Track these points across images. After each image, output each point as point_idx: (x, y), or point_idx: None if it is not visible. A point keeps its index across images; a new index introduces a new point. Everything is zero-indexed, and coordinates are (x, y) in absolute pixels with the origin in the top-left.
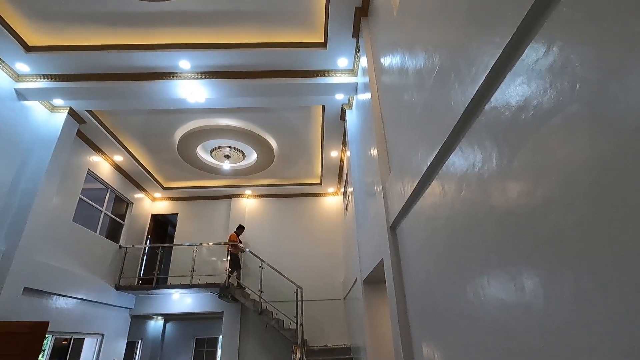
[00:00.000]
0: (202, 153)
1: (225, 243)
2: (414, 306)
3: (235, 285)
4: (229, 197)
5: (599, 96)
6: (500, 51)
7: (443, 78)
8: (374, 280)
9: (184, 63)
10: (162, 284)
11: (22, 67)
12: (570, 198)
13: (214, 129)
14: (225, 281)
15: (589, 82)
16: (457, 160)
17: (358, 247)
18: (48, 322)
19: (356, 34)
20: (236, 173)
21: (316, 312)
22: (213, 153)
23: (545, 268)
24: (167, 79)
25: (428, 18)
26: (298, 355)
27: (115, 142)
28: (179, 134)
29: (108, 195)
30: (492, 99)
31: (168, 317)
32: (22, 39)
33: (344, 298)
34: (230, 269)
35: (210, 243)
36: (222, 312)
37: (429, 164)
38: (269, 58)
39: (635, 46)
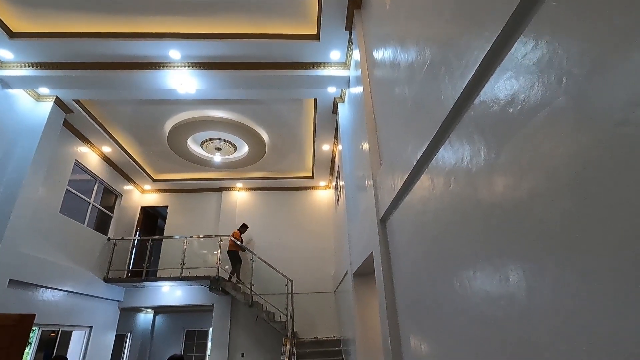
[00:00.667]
0: (192, 145)
1: (215, 236)
2: (402, 299)
3: (235, 282)
4: (220, 189)
5: (584, 90)
6: (490, 45)
7: (434, 72)
8: (364, 273)
9: (174, 53)
10: (152, 276)
11: (5, 54)
12: (554, 192)
13: (204, 120)
14: (216, 274)
15: (575, 76)
16: (447, 154)
17: (349, 240)
18: (34, 315)
19: (349, 26)
20: (227, 165)
21: (307, 305)
22: (204, 145)
23: (529, 260)
24: (156, 69)
25: (419, 11)
26: (288, 347)
27: (104, 133)
28: (169, 125)
29: (96, 186)
30: (482, 93)
31: (158, 310)
32: (5, 24)
33: (334, 291)
34: (232, 270)
35: (201, 236)
36: (213, 304)
37: (418, 157)
38: (260, 49)
39: (620, 41)
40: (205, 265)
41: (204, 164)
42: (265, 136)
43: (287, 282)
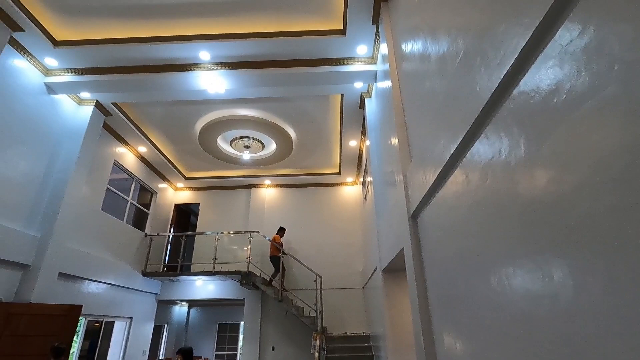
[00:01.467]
0: (222, 143)
1: (245, 232)
2: (435, 295)
3: (279, 289)
4: (249, 186)
5: (637, 78)
6: (531, 33)
7: (468, 63)
8: (394, 269)
9: (204, 54)
10: (186, 270)
11: (51, 61)
12: (602, 186)
13: (233, 119)
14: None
15: (627, 63)
16: (482, 148)
17: (377, 236)
18: (82, 305)
19: (376, 19)
20: (256, 163)
21: (335, 301)
22: (233, 143)
23: (575, 257)
24: (187, 70)
25: (451, 1)
26: (318, 342)
27: (139, 134)
28: (199, 124)
29: (133, 185)
30: (521, 83)
31: (192, 303)
32: (50, 34)
33: (363, 287)
34: (274, 274)
35: (231, 232)
36: (244, 299)
37: (452, 152)
38: (287, 47)
39: None
40: (236, 260)
41: (234, 162)
42: (292, 133)
43: (316, 278)
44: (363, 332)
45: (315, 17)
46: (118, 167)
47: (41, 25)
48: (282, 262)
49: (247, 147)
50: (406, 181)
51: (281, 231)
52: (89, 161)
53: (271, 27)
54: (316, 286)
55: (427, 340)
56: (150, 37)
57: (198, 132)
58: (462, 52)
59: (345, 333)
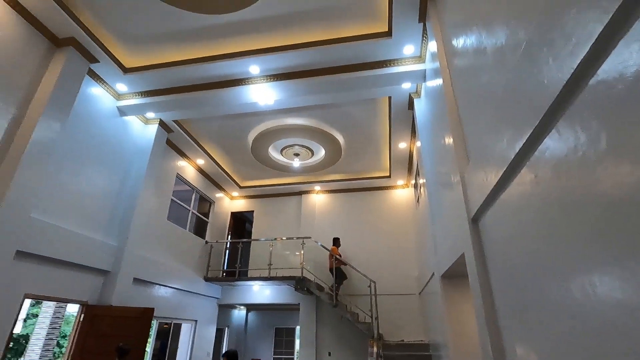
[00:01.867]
0: (273, 152)
1: (297, 238)
2: (503, 303)
3: (332, 294)
4: (300, 193)
5: None
6: (610, 16)
7: (532, 54)
8: (454, 275)
9: (254, 68)
10: (244, 276)
11: (121, 87)
12: None
13: (283, 128)
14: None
15: None
16: (553, 145)
17: (434, 241)
18: (153, 308)
19: (422, 18)
20: (305, 170)
21: (390, 307)
22: (283, 152)
23: None
24: (239, 85)
25: None
26: (375, 349)
27: (198, 147)
28: (252, 135)
29: (194, 195)
30: (600, 71)
31: (250, 307)
32: (120, 62)
33: (419, 293)
34: (336, 284)
35: (284, 238)
36: (299, 303)
37: (517, 150)
38: (333, 54)
39: None
40: (290, 265)
41: (284, 170)
42: (340, 138)
43: (370, 283)
44: (421, 340)
45: (359, 22)
46: (180, 179)
47: (113, 55)
48: (344, 272)
49: (296, 154)
50: (464, 182)
51: (336, 242)
52: (156, 175)
53: (316, 36)
54: (370, 292)
55: (496, 352)
56: (205, 57)
57: (250, 143)
58: (525, 43)
59: (403, 340)
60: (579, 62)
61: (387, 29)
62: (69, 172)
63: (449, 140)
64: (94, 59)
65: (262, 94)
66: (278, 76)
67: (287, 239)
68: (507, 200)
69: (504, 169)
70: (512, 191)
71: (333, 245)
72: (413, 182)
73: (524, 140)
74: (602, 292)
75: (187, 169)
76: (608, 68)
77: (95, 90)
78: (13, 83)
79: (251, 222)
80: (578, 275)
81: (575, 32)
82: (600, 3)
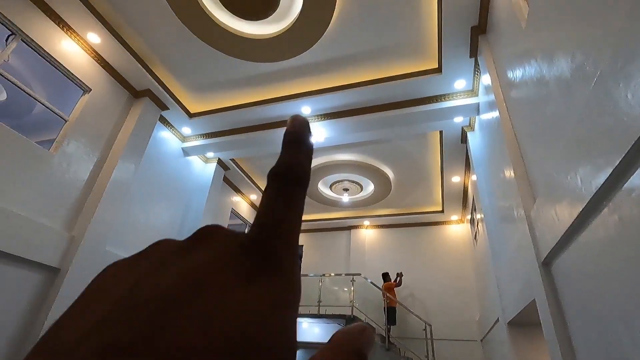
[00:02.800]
0: (322, 188)
1: (346, 274)
2: (588, 358)
3: (388, 341)
4: (349, 228)
5: None
6: None
7: (606, 87)
8: (524, 323)
9: (306, 108)
10: None
11: (186, 130)
12: None
13: (332, 164)
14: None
15: None
16: None
17: (497, 283)
18: None
19: (474, 53)
20: (355, 205)
21: (449, 353)
22: (332, 187)
23: None
24: None
25: (572, 20)
26: None
27: (251, 184)
28: None
29: (246, 230)
30: None
31: (299, 345)
32: (187, 108)
33: (481, 340)
34: (388, 325)
35: (332, 274)
36: None
37: (595, 189)
38: (383, 92)
39: None
40: (339, 303)
41: (334, 205)
42: (390, 173)
43: (425, 327)
44: None
45: (409, 60)
46: (235, 214)
47: (181, 103)
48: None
49: (346, 189)
50: (531, 222)
51: (386, 277)
52: (214, 210)
53: (367, 76)
54: (426, 335)
55: None
56: (261, 100)
57: None
58: (597, 75)
59: None
60: None
61: (437, 66)
62: (139, 208)
63: (510, 174)
64: (165, 107)
65: (314, 132)
66: (329, 115)
67: (336, 275)
68: (586, 243)
69: (580, 209)
70: (592, 234)
71: (386, 280)
72: (469, 217)
73: (604, 179)
74: None
75: (241, 204)
76: None
77: (164, 134)
78: (99, 131)
79: (301, 257)
80: None
81: None
82: None
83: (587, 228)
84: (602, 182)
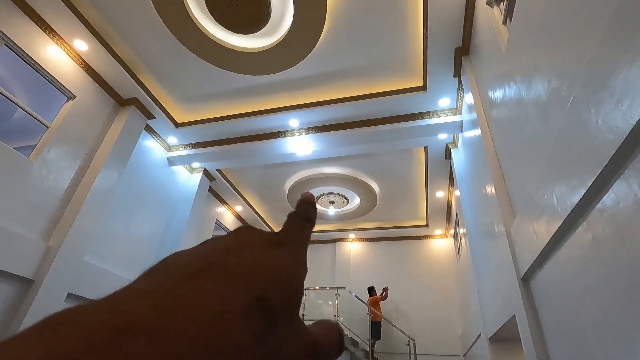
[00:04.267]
0: None
1: (331, 288)
2: None
3: (372, 356)
4: (334, 241)
5: None
6: None
7: (579, 112)
8: (504, 339)
9: (293, 122)
10: None
11: (172, 140)
12: None
13: (319, 177)
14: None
15: None
16: (612, 205)
17: (479, 298)
18: None
19: (457, 72)
20: (340, 217)
21: None
22: (318, 199)
23: None
24: (279, 137)
25: (549, 47)
26: None
27: (237, 195)
28: (288, 184)
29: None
30: None
31: None
32: (173, 118)
33: (464, 355)
34: (372, 339)
35: (317, 287)
36: None
37: (570, 207)
38: (370, 108)
39: None
40: (322, 317)
41: (319, 217)
42: (375, 187)
43: (409, 342)
44: None
45: (395, 77)
46: (219, 225)
47: (167, 112)
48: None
49: (331, 202)
50: (511, 238)
51: (372, 291)
52: (198, 221)
53: (355, 91)
54: (409, 350)
55: None
56: (248, 112)
57: (287, 191)
58: (571, 100)
59: None
60: (632, 126)
61: (422, 84)
62: (120, 217)
63: (491, 191)
64: (151, 116)
65: (301, 146)
66: (317, 129)
67: (321, 288)
68: (563, 261)
69: (557, 227)
70: (568, 252)
71: (372, 295)
72: (452, 231)
73: (578, 198)
74: None
75: (226, 215)
76: None
77: (149, 143)
78: (82, 138)
79: None
80: None
81: (626, 97)
82: None
83: (564, 246)
84: (576, 202)
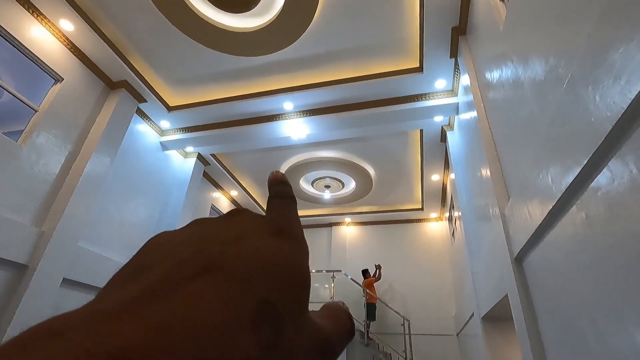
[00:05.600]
0: (304, 184)
1: (327, 271)
2: (556, 353)
3: (367, 337)
4: (330, 225)
5: None
6: None
7: (576, 91)
8: (497, 318)
9: (288, 104)
10: None
11: (165, 124)
12: None
13: (314, 161)
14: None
15: None
16: (607, 183)
17: (473, 279)
18: None
19: (454, 53)
20: (336, 202)
21: (426, 347)
22: (314, 184)
23: None
24: (274, 121)
25: (546, 25)
26: None
27: (232, 180)
28: (284, 168)
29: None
30: None
31: None
32: (165, 102)
33: (457, 334)
34: (368, 321)
35: (314, 270)
36: None
37: (564, 188)
38: (365, 90)
39: None
40: (320, 300)
41: (315, 202)
42: (371, 171)
43: (404, 322)
44: None
45: (391, 58)
46: (214, 210)
47: (159, 95)
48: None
49: (327, 186)
50: (505, 220)
51: (366, 274)
52: (193, 206)
53: (349, 73)
54: (404, 331)
55: None
56: (243, 95)
57: None
58: (567, 80)
59: None
60: (630, 101)
61: (418, 65)
62: (114, 203)
63: (486, 173)
64: (142, 99)
65: (296, 129)
66: (311, 111)
67: (317, 271)
68: (556, 241)
69: (550, 207)
70: (561, 231)
71: (366, 277)
72: (447, 215)
73: (573, 178)
74: None
75: (221, 200)
76: None
77: (142, 127)
78: (72, 122)
79: None
80: None
81: (624, 71)
82: None
83: (557, 226)
84: (570, 182)
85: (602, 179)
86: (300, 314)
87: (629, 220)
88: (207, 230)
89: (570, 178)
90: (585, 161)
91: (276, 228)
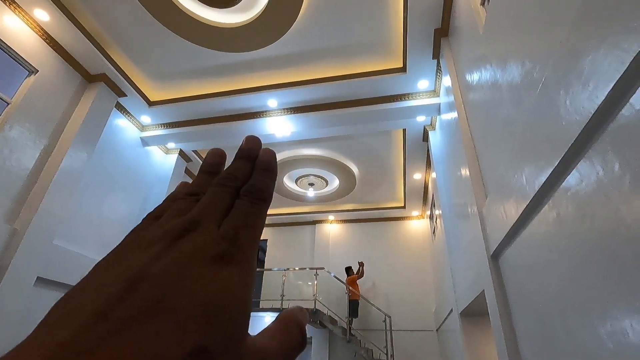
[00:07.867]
0: (288, 182)
1: (310, 269)
2: (527, 345)
3: (349, 333)
4: (314, 222)
5: None
6: (626, 66)
7: (549, 95)
8: (474, 313)
9: (272, 102)
10: (255, 307)
11: (145, 119)
12: None
13: (298, 159)
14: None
15: None
16: (576, 184)
17: (451, 275)
18: None
19: (436, 54)
20: (320, 199)
21: (407, 343)
22: (298, 181)
23: None
24: (257, 118)
25: (523, 30)
26: None
27: None
28: None
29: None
30: (618, 116)
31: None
32: (146, 96)
33: (437, 329)
34: (350, 318)
35: (297, 268)
36: (311, 337)
37: (537, 188)
38: (349, 88)
39: None
40: (302, 297)
41: (299, 199)
42: (354, 169)
43: (385, 318)
44: None
45: (375, 58)
46: None
47: (140, 90)
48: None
49: (311, 184)
50: (482, 218)
51: (349, 271)
52: None
53: (333, 72)
54: (385, 327)
55: None
56: (226, 91)
57: None
58: (541, 84)
59: None
60: (597, 107)
61: (402, 65)
62: (92, 199)
63: (465, 173)
64: (122, 93)
65: (279, 126)
66: (295, 109)
67: (300, 269)
68: (529, 238)
69: (524, 206)
70: (534, 229)
71: (349, 274)
72: (428, 213)
73: (545, 178)
74: (636, 340)
75: None
76: (628, 113)
77: (121, 122)
78: (47, 116)
79: (264, 251)
80: (612, 322)
81: (592, 77)
82: (615, 52)
83: (530, 224)
84: (543, 182)
85: (572, 179)
86: (238, 348)
87: (595, 219)
88: (137, 257)
89: (543, 178)
90: (557, 162)
91: (220, 254)
